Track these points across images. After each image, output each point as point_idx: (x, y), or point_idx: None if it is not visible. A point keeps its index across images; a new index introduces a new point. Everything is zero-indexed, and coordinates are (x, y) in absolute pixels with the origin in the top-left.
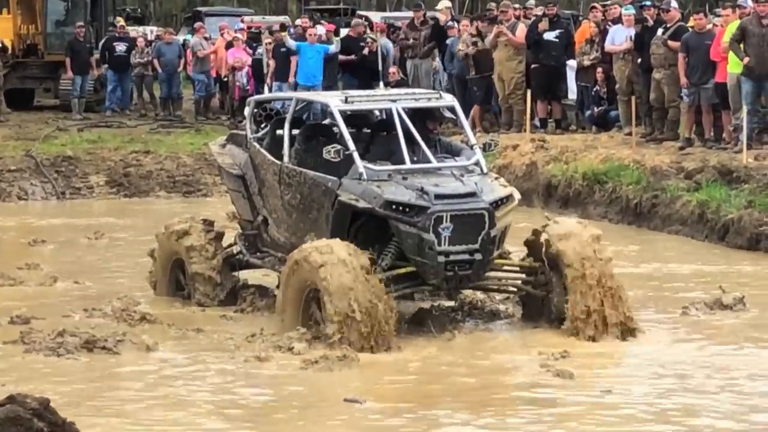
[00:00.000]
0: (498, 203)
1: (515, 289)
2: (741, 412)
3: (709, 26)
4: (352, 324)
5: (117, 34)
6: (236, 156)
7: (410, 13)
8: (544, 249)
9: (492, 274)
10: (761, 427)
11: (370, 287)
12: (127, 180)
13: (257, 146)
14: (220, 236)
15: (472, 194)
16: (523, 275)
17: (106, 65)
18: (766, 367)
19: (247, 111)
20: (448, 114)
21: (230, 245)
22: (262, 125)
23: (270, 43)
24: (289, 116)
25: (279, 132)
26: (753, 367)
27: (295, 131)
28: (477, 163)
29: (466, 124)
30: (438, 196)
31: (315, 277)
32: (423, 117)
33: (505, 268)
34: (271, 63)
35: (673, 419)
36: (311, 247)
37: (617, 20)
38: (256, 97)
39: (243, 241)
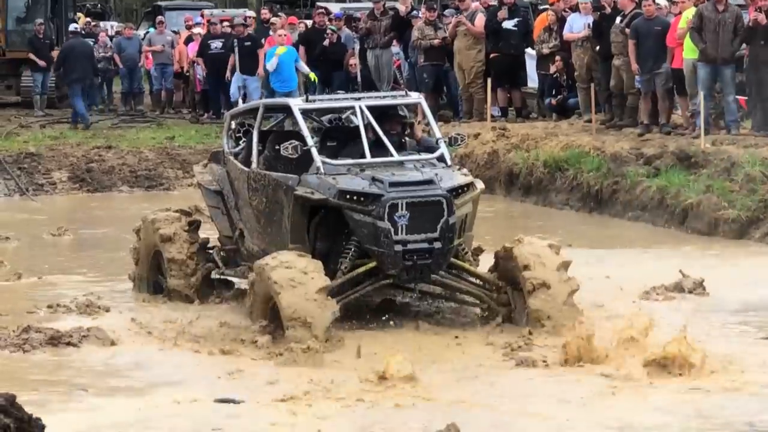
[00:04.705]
0: (457, 191)
1: (478, 301)
2: (696, 395)
3: (663, 12)
4: (299, 330)
5: (83, 31)
6: (215, 172)
7: (369, 4)
8: (509, 267)
9: (460, 283)
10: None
11: (322, 297)
12: (89, 175)
13: (232, 159)
14: (203, 246)
15: (429, 182)
16: (488, 289)
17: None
18: (724, 351)
19: (225, 127)
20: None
21: (210, 253)
22: (241, 141)
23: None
24: (257, 123)
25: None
26: (712, 352)
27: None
28: (441, 157)
29: (432, 119)
30: (393, 184)
31: (273, 293)
32: (381, 118)
33: (474, 279)
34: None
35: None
36: (272, 261)
37: (575, 8)
38: (231, 111)
39: (221, 256)
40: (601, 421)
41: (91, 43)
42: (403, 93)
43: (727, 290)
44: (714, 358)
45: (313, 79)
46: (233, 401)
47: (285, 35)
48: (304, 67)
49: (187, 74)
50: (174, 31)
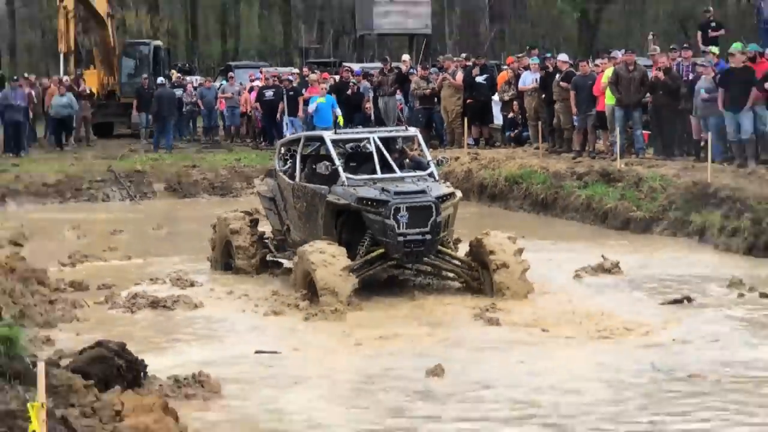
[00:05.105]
0: (443, 198)
1: (457, 277)
2: (616, 340)
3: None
4: (328, 296)
5: (175, 83)
6: (269, 184)
7: (380, 64)
8: (480, 252)
9: (445, 263)
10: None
11: (345, 275)
12: (180, 186)
13: (281, 175)
14: (261, 237)
15: (422, 192)
16: (465, 268)
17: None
18: (634, 315)
19: (276, 152)
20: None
21: (266, 242)
22: (288, 162)
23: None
24: (299, 150)
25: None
26: (626, 316)
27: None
28: (431, 174)
29: (424, 146)
30: (396, 193)
31: (313, 271)
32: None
33: (455, 261)
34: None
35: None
36: (312, 247)
37: (527, 68)
38: (282, 140)
39: (274, 244)
40: (543, 363)
41: (180, 92)
42: (404, 128)
43: (636, 269)
44: (627, 319)
45: (340, 122)
46: (274, 352)
47: (325, 88)
48: (338, 111)
49: (250, 114)
50: (241, 83)
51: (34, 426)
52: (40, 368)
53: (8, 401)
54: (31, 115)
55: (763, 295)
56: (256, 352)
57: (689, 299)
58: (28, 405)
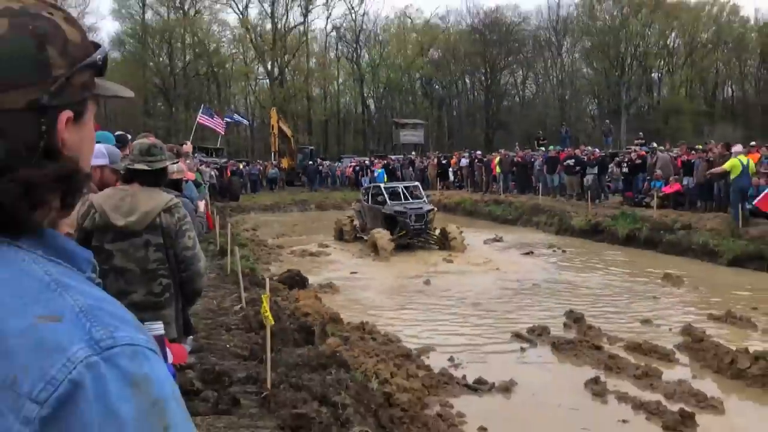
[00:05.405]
0: (429, 210)
1: (435, 243)
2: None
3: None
4: (382, 251)
5: (319, 164)
6: (358, 205)
7: (402, 156)
8: (445, 233)
9: (430, 238)
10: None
11: (389, 242)
12: (320, 205)
13: (363, 200)
14: (354, 226)
15: (421, 207)
16: (438, 239)
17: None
18: (505, 258)
19: (361, 191)
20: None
21: (356, 228)
22: (366, 195)
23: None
24: (370, 190)
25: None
26: (505, 257)
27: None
28: (425, 201)
29: (421, 190)
30: (410, 208)
31: (375, 241)
32: (407, 190)
33: (434, 236)
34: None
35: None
36: (375, 231)
37: (464, 156)
38: (363, 187)
39: (360, 228)
40: (471, 279)
41: (321, 168)
42: (414, 182)
43: (510, 240)
44: (506, 260)
45: (385, 180)
46: (356, 272)
47: (380, 166)
48: (385, 175)
49: (349, 176)
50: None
51: (264, 304)
52: (266, 281)
53: (254, 295)
54: (260, 176)
55: (563, 251)
56: (351, 273)
57: (532, 252)
58: (262, 296)
